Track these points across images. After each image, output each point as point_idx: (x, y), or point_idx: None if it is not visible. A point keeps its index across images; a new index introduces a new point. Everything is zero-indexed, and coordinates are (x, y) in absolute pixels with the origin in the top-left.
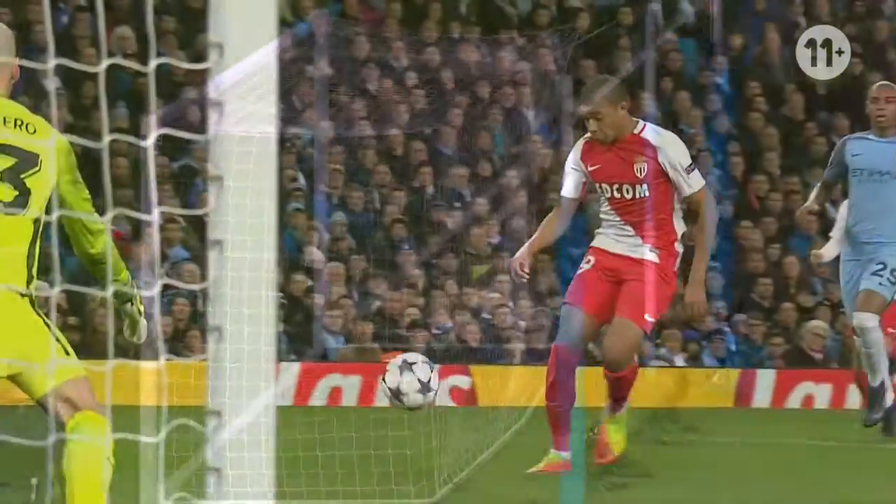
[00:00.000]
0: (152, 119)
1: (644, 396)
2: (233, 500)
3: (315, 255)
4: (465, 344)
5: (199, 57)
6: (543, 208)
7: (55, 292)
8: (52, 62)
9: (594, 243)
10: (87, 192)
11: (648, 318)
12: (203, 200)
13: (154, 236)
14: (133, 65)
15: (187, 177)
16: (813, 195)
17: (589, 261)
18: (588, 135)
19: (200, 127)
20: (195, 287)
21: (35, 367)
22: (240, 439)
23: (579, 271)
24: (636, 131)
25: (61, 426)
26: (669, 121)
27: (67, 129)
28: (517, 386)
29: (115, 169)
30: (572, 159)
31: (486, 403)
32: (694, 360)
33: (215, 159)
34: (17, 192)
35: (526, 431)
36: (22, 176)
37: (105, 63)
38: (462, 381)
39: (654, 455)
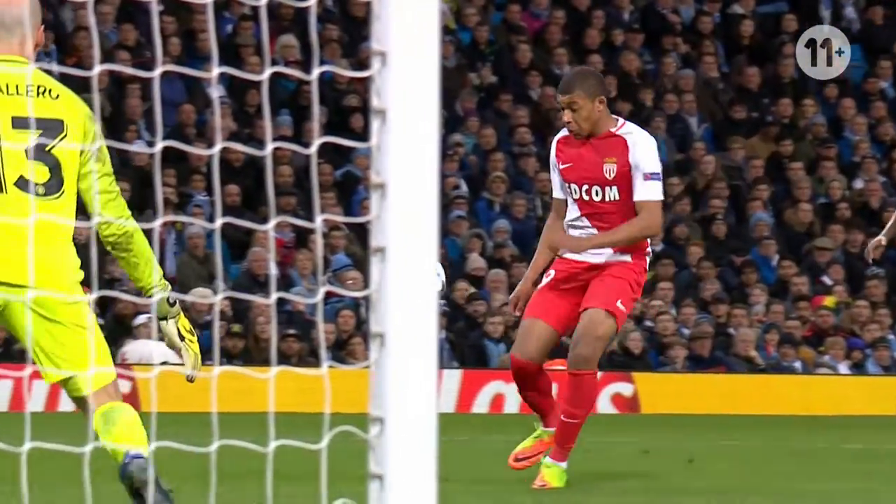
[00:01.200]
0: (315, 127)
1: (813, 404)
2: None
3: (477, 262)
4: (628, 351)
5: (362, 65)
6: (706, 215)
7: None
8: (216, 70)
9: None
10: (109, 167)
11: (621, 305)
12: (366, 208)
13: (318, 244)
14: (296, 73)
15: (350, 184)
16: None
17: (549, 274)
18: (564, 130)
19: (363, 134)
20: (358, 294)
21: (77, 374)
22: (402, 447)
23: (539, 286)
24: (614, 129)
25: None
26: (833, 128)
27: (231, 136)
28: (680, 392)
29: (279, 177)
30: (551, 158)
31: (649, 410)
32: (858, 368)
33: (378, 167)
34: (48, 168)
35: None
36: (48, 147)
37: (269, 71)
38: (625, 388)
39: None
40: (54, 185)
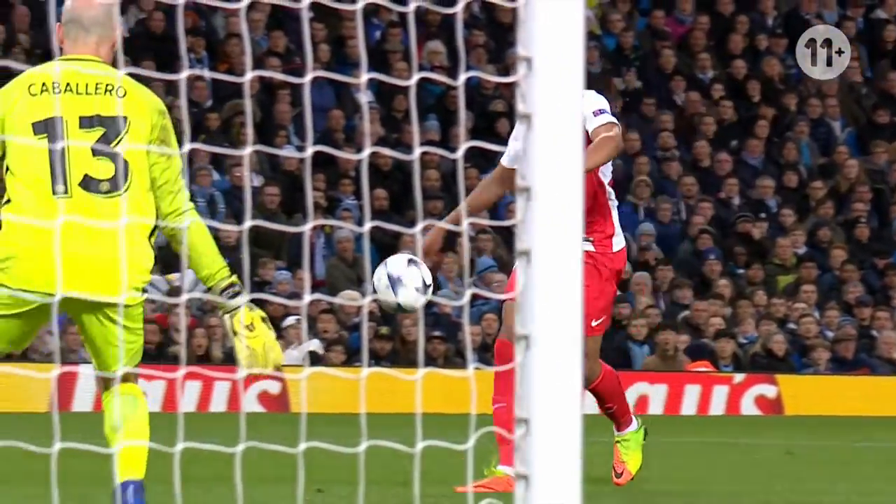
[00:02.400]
0: (462, 131)
1: None
2: None
3: None
4: (772, 353)
5: (508, 70)
6: (849, 219)
7: (366, 301)
8: (364, 76)
9: None
10: (176, 159)
11: (594, 323)
12: (511, 211)
13: (464, 247)
14: (443, 78)
15: None
16: None
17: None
18: None
19: (508, 139)
20: (503, 297)
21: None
22: (547, 447)
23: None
24: None
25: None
26: None
27: (379, 141)
28: (823, 394)
29: (426, 181)
30: (517, 127)
31: (792, 412)
32: None
33: (523, 171)
34: (113, 166)
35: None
36: (112, 144)
37: (416, 77)
38: (768, 390)
39: None
40: (118, 182)
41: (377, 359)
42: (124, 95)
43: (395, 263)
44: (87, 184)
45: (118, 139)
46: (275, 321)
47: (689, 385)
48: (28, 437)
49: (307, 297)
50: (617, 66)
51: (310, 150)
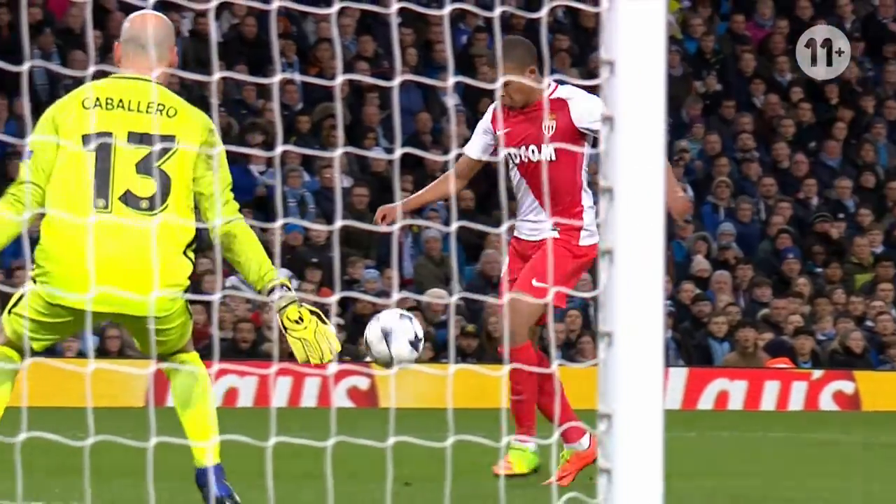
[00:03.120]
0: (545, 133)
1: None
2: (623, 502)
3: (702, 263)
4: (850, 350)
5: (592, 74)
6: None
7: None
8: (451, 80)
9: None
10: (224, 173)
11: (535, 282)
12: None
13: (549, 246)
14: (528, 81)
15: None
16: None
17: (505, 261)
18: (497, 102)
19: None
20: (587, 295)
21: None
22: (630, 442)
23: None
24: (547, 93)
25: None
26: None
27: (465, 142)
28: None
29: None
30: (482, 123)
31: (870, 408)
32: None
33: (605, 171)
34: (155, 183)
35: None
36: (157, 163)
37: (501, 80)
38: (846, 385)
39: None
40: (159, 199)
41: (463, 355)
42: (175, 115)
43: (388, 317)
44: (128, 199)
45: (164, 158)
46: (364, 318)
47: (768, 381)
48: (125, 431)
49: (395, 296)
50: (698, 69)
51: (398, 152)
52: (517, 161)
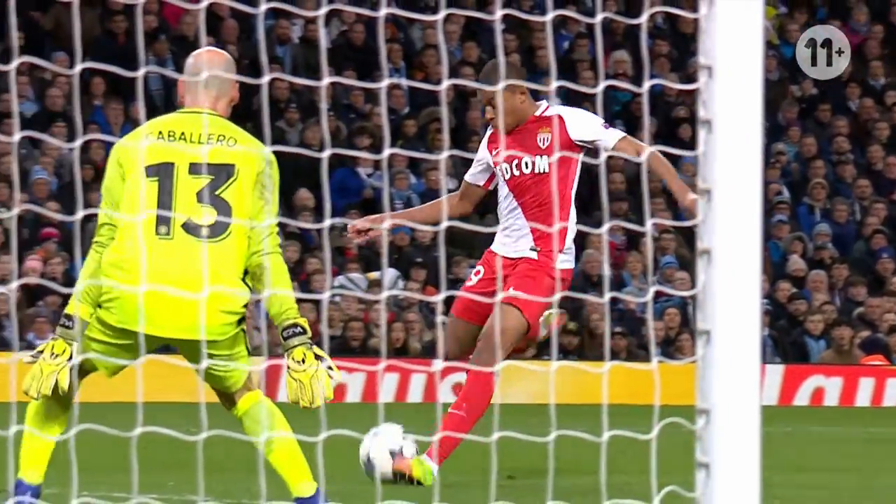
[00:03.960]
0: (646, 136)
1: None
2: (721, 495)
3: (798, 263)
4: None
5: (690, 78)
6: None
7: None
8: (553, 84)
9: (493, 248)
10: (273, 207)
11: (512, 291)
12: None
13: (648, 246)
14: (629, 86)
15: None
16: None
17: (478, 272)
18: (490, 128)
19: (691, 143)
20: (685, 294)
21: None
22: (728, 437)
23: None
24: (538, 113)
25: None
26: None
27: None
28: None
29: (611, 183)
30: (481, 149)
31: None
32: None
33: (704, 174)
34: (216, 211)
35: None
36: (217, 191)
37: (603, 84)
38: None
39: None
40: (220, 227)
41: (565, 352)
42: (234, 145)
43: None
44: (189, 227)
45: (225, 186)
46: None
47: (863, 378)
48: (236, 426)
49: (499, 296)
50: (793, 73)
51: (502, 154)
52: (507, 176)
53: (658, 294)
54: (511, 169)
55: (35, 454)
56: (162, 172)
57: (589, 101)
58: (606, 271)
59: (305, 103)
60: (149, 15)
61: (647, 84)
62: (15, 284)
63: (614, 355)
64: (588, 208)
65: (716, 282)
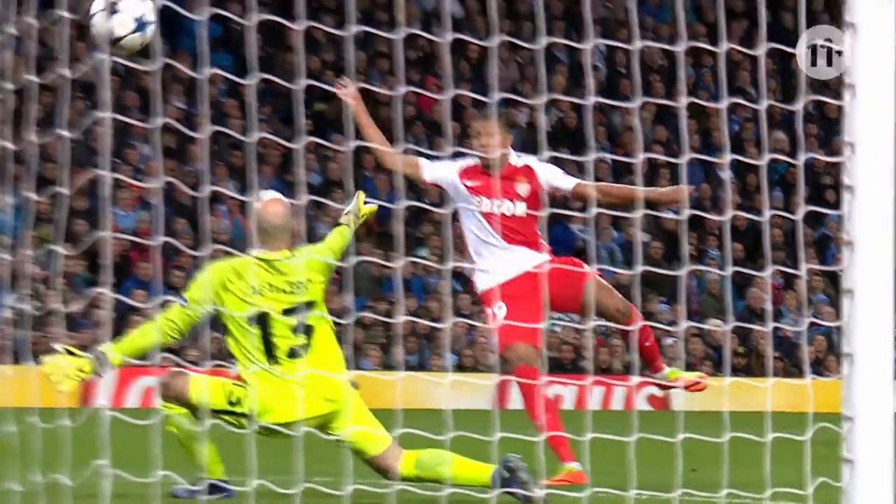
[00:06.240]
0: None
1: None
2: (862, 486)
3: None
4: None
5: (835, 153)
6: None
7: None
8: (727, 157)
9: (488, 284)
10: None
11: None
12: (837, 260)
13: (801, 286)
14: (785, 158)
15: (825, 243)
16: None
17: (501, 307)
18: (468, 160)
19: (835, 205)
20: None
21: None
22: (867, 439)
23: (496, 321)
24: (515, 164)
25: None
26: None
27: (737, 207)
28: None
29: (773, 238)
30: (453, 167)
31: None
32: None
33: (847, 229)
34: (306, 335)
35: None
36: (306, 319)
37: (766, 158)
38: None
39: None
40: (309, 343)
41: (735, 370)
42: (308, 281)
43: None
44: (291, 353)
45: (308, 313)
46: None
47: None
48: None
49: (683, 324)
50: None
51: (685, 213)
52: (485, 210)
53: (810, 324)
54: (491, 206)
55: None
56: (261, 320)
57: (753, 173)
58: (769, 306)
59: None
60: (408, 104)
61: (801, 157)
62: None
63: (775, 373)
64: (754, 256)
65: (857, 315)
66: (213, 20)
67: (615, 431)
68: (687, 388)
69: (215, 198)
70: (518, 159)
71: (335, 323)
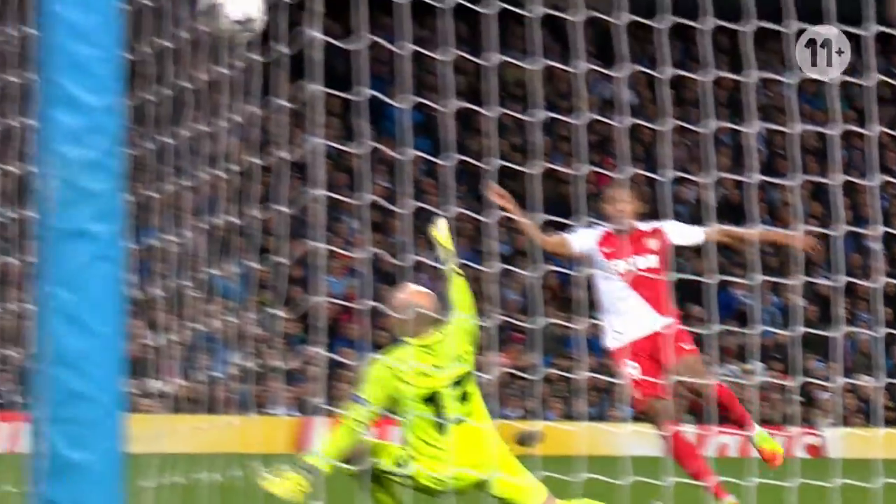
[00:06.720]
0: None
1: None
2: None
3: None
4: None
5: None
6: None
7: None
8: (843, 229)
9: (618, 342)
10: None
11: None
12: None
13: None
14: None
15: None
16: None
17: (636, 367)
18: (601, 229)
19: None
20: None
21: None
22: None
23: (629, 379)
24: (644, 227)
25: None
26: None
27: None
28: None
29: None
30: (591, 235)
31: None
32: None
33: None
34: (463, 399)
35: None
36: (465, 387)
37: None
38: None
39: None
40: (468, 403)
41: (886, 422)
42: (466, 353)
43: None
44: (458, 420)
45: (467, 383)
46: (810, 396)
47: None
48: (651, 475)
49: (840, 380)
50: None
51: (840, 280)
52: (621, 271)
53: None
54: (625, 265)
55: None
56: (434, 401)
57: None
58: (881, 361)
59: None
60: (589, 183)
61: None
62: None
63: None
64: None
65: None
66: (413, 108)
67: (775, 476)
68: (763, 458)
69: (417, 266)
70: (647, 224)
71: (522, 378)
